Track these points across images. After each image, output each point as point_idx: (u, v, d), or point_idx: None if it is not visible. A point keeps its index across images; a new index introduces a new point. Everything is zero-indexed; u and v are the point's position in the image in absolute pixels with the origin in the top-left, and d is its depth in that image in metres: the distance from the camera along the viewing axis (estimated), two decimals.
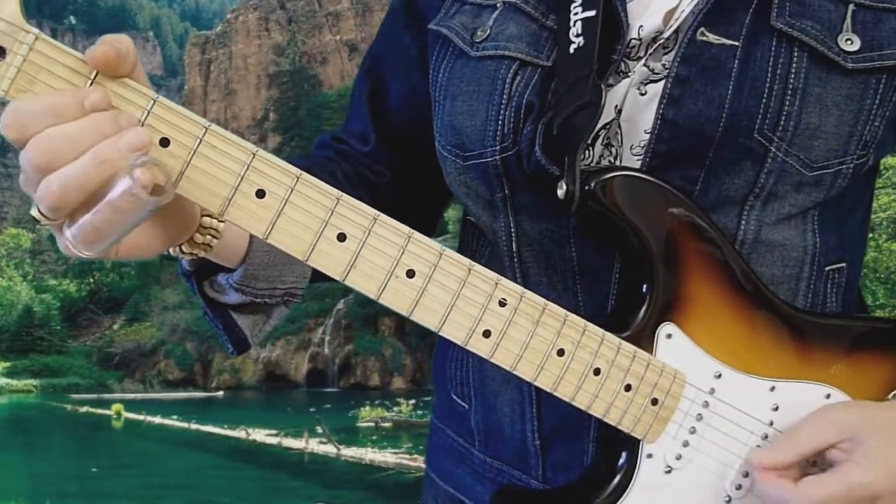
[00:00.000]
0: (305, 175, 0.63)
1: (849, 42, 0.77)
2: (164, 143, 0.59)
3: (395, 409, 31.81)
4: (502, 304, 0.70)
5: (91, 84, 0.57)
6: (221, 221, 0.73)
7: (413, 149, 0.97)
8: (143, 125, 0.58)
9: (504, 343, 0.71)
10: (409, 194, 1.00)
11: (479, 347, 0.70)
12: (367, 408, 32.09)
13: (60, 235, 0.61)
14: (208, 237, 0.72)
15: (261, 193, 0.62)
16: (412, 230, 0.67)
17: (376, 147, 1.00)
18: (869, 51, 0.78)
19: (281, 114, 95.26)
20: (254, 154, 0.61)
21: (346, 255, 0.65)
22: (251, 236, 0.78)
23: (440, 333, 0.69)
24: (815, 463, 0.77)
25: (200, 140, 0.59)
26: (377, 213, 0.65)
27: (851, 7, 0.78)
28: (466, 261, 0.69)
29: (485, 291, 0.69)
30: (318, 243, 0.64)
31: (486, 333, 0.70)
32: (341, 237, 0.65)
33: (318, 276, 0.83)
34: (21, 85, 0.56)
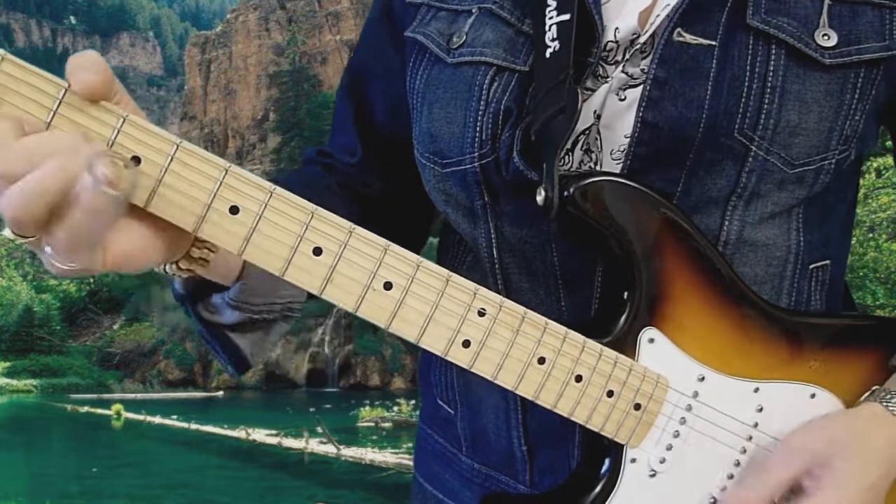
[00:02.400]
0: (279, 190, 0.62)
1: (826, 37, 0.77)
2: (136, 160, 0.58)
3: (395, 409, 31.70)
4: (481, 313, 0.70)
5: (60, 103, 0.55)
6: None
7: (401, 157, 0.96)
8: (113, 143, 0.57)
9: (484, 353, 0.70)
10: (400, 203, 0.99)
11: (460, 358, 0.70)
12: (367, 408, 32.02)
13: (42, 253, 0.58)
14: (205, 250, 0.69)
15: (234, 210, 0.61)
16: (389, 242, 0.66)
17: (363, 159, 0.99)
18: (846, 45, 0.77)
19: (281, 114, 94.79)
20: (226, 170, 0.60)
21: (322, 270, 0.64)
22: None
23: (419, 345, 0.69)
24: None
25: (172, 157, 0.58)
26: (353, 225, 0.64)
27: (827, 2, 0.77)
28: (444, 271, 0.68)
29: (463, 302, 0.69)
30: (293, 258, 0.63)
31: (466, 343, 0.70)
32: (317, 251, 0.63)
33: None
34: None
